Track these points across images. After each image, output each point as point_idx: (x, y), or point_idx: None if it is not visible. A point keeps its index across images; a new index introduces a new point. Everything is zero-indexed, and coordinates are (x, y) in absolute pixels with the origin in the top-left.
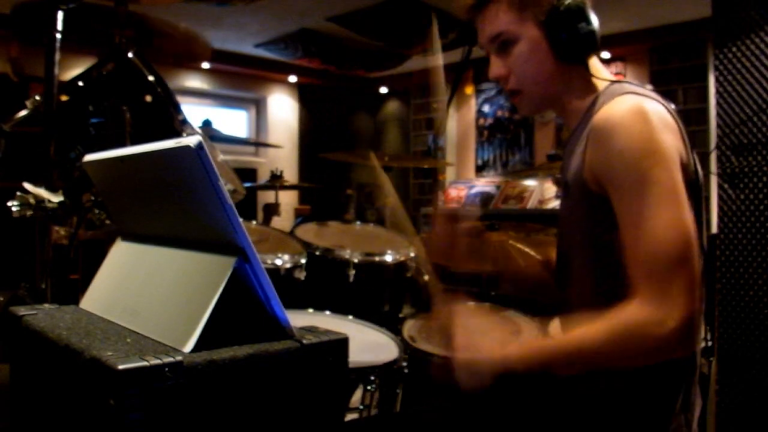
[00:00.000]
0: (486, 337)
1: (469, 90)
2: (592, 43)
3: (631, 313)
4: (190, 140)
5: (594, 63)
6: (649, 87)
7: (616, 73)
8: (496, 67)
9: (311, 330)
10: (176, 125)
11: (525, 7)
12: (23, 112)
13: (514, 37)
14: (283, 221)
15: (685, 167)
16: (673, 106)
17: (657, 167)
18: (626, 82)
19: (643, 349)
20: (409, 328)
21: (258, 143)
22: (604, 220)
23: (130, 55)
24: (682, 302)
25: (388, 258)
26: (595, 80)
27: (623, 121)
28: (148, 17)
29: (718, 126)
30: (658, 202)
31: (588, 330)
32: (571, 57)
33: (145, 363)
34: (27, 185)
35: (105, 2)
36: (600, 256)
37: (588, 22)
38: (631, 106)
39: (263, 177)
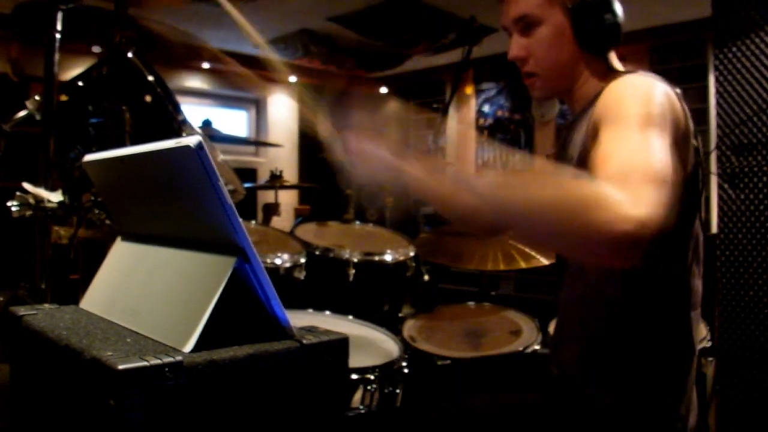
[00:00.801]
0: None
1: (469, 90)
2: (615, 36)
3: (599, 186)
4: (190, 140)
5: (612, 56)
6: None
7: None
8: (517, 47)
9: (311, 330)
10: (176, 125)
11: None
12: (23, 112)
13: (538, 20)
14: (282, 221)
15: (685, 142)
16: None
17: (661, 119)
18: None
19: (591, 229)
20: (408, 327)
21: (258, 143)
22: None
23: (129, 55)
24: (650, 205)
25: (388, 258)
26: (609, 72)
27: (630, 84)
28: (152, 27)
29: (718, 126)
30: (655, 137)
31: (535, 182)
32: (593, 47)
33: (145, 363)
34: (27, 185)
35: (105, 5)
36: None
37: (614, 14)
38: (639, 77)
39: (263, 177)
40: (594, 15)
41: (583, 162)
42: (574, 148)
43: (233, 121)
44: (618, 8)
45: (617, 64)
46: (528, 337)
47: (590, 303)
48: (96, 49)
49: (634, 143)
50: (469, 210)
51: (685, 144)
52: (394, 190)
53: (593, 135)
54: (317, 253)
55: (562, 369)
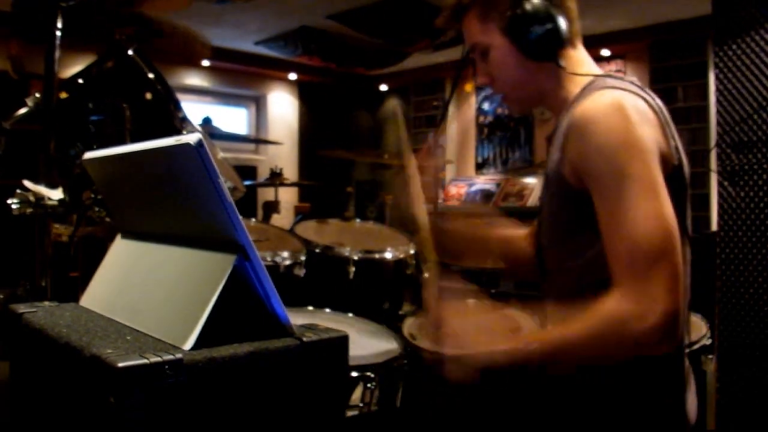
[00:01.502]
0: (476, 334)
1: (469, 87)
2: (557, 40)
3: (611, 308)
4: (190, 138)
5: (573, 56)
6: (633, 80)
7: (617, 71)
8: (481, 75)
9: (311, 327)
10: (176, 123)
11: (487, 18)
12: (23, 110)
13: (486, 46)
14: (282, 219)
15: (666, 159)
16: (657, 101)
17: (635, 161)
18: (610, 75)
19: (624, 345)
20: (409, 325)
21: (258, 140)
22: (579, 216)
23: (130, 52)
24: (663, 296)
25: (388, 255)
26: (575, 75)
27: (600, 116)
28: (149, 17)
29: (719, 123)
30: (637, 195)
31: (569, 327)
32: (540, 56)
33: (145, 361)
34: (27, 183)
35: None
36: (573, 251)
37: (546, 21)
38: (608, 100)
39: (263, 174)
40: (526, 28)
41: (552, 182)
42: (551, 163)
43: (233, 119)
44: (553, 12)
45: (583, 65)
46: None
47: (565, 297)
48: (96, 47)
49: (630, 218)
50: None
51: (667, 147)
52: None
53: (563, 158)
54: (317, 250)
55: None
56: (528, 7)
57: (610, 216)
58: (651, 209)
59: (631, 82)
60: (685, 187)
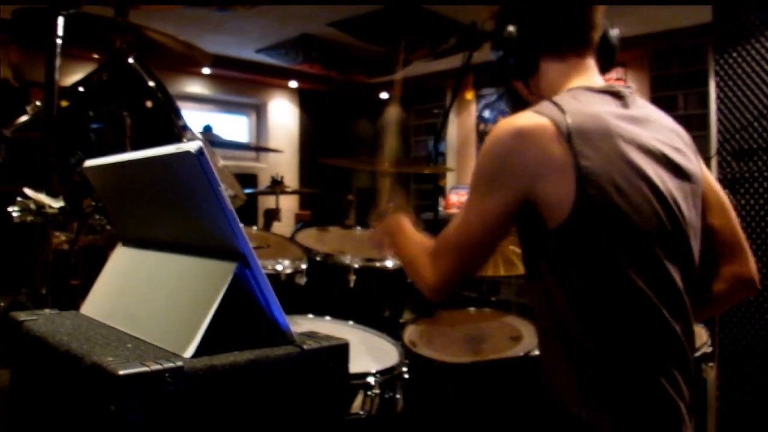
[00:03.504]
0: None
1: (470, 95)
2: (514, 66)
3: (425, 259)
4: (191, 146)
5: (556, 70)
6: (605, 87)
7: (617, 79)
8: None
9: (311, 335)
10: (177, 131)
11: None
12: (24, 118)
13: None
14: (283, 226)
15: (545, 188)
16: (572, 124)
17: (481, 185)
18: (550, 99)
19: (415, 279)
20: (409, 333)
21: (259, 148)
22: (519, 229)
23: (130, 60)
24: (441, 274)
25: (389, 263)
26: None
27: (489, 136)
28: (147, 28)
29: (719, 131)
30: (468, 206)
31: (413, 243)
32: (512, 75)
33: (145, 368)
34: (27, 190)
35: (105, 11)
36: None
37: (504, 46)
38: (503, 124)
39: (264, 182)
40: (494, 48)
41: None
42: None
43: (234, 127)
44: (519, 33)
45: (562, 78)
46: (529, 342)
47: (532, 295)
48: (96, 55)
49: (459, 214)
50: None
51: (557, 172)
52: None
53: None
54: (318, 258)
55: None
56: (500, 30)
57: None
58: (463, 220)
59: (606, 89)
60: (610, 218)
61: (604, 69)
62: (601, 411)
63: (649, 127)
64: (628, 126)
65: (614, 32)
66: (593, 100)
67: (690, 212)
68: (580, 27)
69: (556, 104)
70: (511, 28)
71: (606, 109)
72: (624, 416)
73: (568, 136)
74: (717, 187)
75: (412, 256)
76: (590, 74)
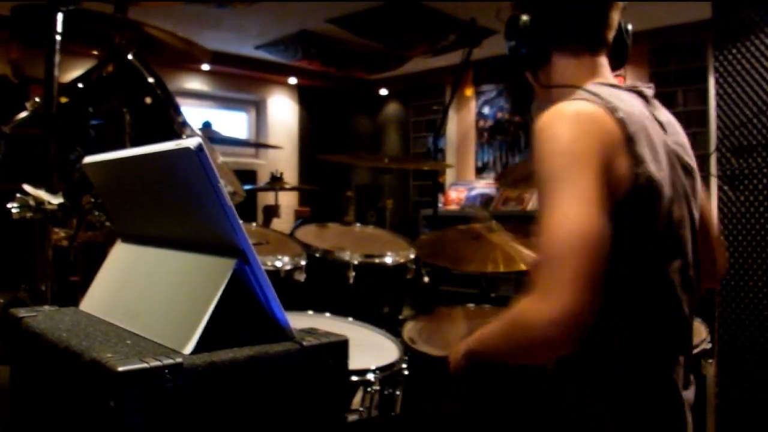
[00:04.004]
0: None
1: (469, 92)
2: (526, 57)
3: (520, 305)
4: (190, 142)
5: (567, 65)
6: (630, 85)
7: (617, 75)
8: None
9: (311, 332)
10: (176, 127)
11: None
12: (23, 114)
13: None
14: (283, 223)
15: (617, 176)
16: (621, 110)
17: (566, 168)
18: (584, 88)
19: (525, 341)
20: (409, 329)
21: (258, 144)
22: None
23: (129, 56)
24: (563, 295)
25: (388, 260)
26: (550, 86)
27: (548, 125)
28: (146, 25)
29: (718, 128)
30: (561, 199)
31: (489, 324)
32: (519, 67)
33: (145, 365)
34: (27, 187)
35: (104, 8)
36: None
37: (518, 35)
38: (560, 111)
39: (263, 179)
40: (508, 35)
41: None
42: None
43: (233, 123)
44: (533, 24)
45: (575, 73)
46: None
47: None
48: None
49: (549, 219)
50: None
51: (622, 165)
52: None
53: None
54: (317, 255)
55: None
56: (515, 19)
57: (540, 219)
58: (569, 213)
59: (631, 88)
60: (653, 213)
61: (614, 67)
62: (603, 403)
63: (669, 130)
64: (655, 127)
65: (629, 30)
66: (624, 96)
67: (696, 209)
68: (596, 25)
69: (593, 93)
70: (525, 17)
71: (640, 109)
72: (626, 409)
73: (620, 120)
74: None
75: (498, 328)
76: (604, 72)
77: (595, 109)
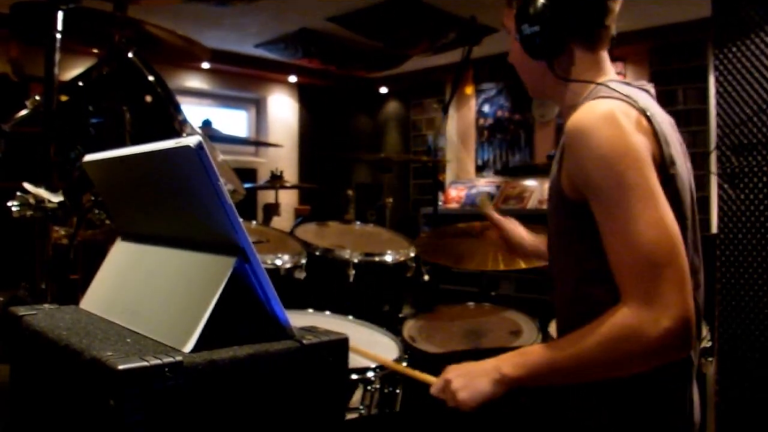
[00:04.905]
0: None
1: (469, 90)
2: (551, 42)
3: (624, 317)
4: (190, 140)
5: (583, 59)
6: (639, 84)
7: (617, 73)
8: (509, 54)
9: (311, 330)
10: (176, 125)
11: (511, 3)
12: (23, 112)
13: (509, 31)
14: (283, 221)
15: (660, 167)
16: (653, 109)
17: (630, 170)
18: (605, 84)
19: (641, 353)
20: (409, 328)
21: (258, 143)
22: (578, 229)
23: (130, 55)
24: (674, 300)
25: (388, 258)
26: (568, 79)
27: (593, 127)
28: (146, 23)
29: (719, 126)
30: (636, 204)
31: (582, 340)
32: (534, 55)
33: (145, 363)
34: (27, 185)
35: (104, 6)
36: (573, 262)
37: (542, 21)
38: (600, 110)
39: (263, 177)
40: (524, 23)
41: (552, 196)
42: (551, 176)
43: (233, 121)
44: (556, 10)
45: (591, 68)
46: (528, 337)
47: (569, 307)
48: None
49: (632, 228)
50: (561, 383)
51: (660, 156)
52: None
53: (560, 171)
54: (317, 253)
55: None
56: (533, 2)
57: (612, 227)
58: (651, 217)
59: (641, 86)
60: (680, 196)
61: None
62: (603, 403)
63: (673, 129)
64: (666, 124)
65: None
66: (641, 95)
67: (695, 210)
68: (606, 17)
69: (615, 90)
70: (542, 1)
71: (658, 109)
72: (627, 409)
73: (651, 121)
74: None
75: (594, 345)
76: (611, 68)
77: (629, 109)
